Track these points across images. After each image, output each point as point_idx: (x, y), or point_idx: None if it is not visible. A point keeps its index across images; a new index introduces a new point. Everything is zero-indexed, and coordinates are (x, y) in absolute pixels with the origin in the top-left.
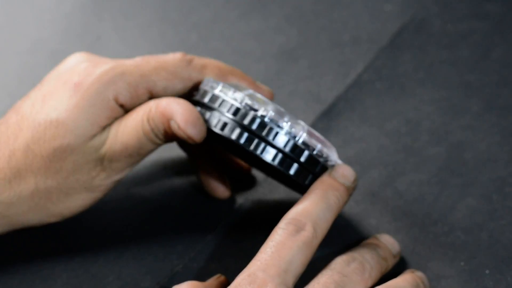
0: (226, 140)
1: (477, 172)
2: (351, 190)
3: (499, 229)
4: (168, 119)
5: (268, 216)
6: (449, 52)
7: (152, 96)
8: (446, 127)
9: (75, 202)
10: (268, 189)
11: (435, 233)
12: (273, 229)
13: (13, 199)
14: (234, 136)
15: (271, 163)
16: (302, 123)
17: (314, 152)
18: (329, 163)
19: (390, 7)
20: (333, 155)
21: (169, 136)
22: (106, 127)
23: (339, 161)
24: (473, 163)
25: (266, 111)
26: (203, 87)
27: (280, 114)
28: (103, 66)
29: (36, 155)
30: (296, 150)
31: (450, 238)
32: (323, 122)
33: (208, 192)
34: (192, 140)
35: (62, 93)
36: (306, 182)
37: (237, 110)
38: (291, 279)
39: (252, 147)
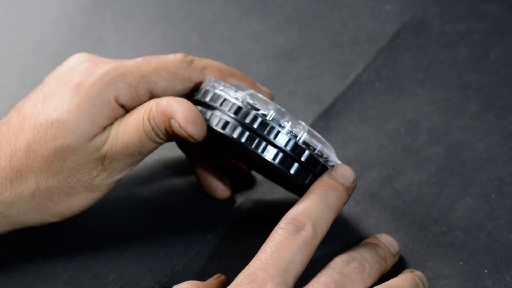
0: (227, 139)
1: (476, 172)
2: (350, 190)
3: (498, 229)
4: (168, 118)
5: (268, 216)
6: (448, 52)
7: (152, 97)
8: (445, 127)
9: (76, 202)
10: (268, 189)
11: (434, 233)
12: (273, 229)
13: (14, 199)
14: (235, 135)
15: (272, 162)
16: (302, 123)
17: (315, 152)
18: (329, 163)
19: (389, 8)
20: (333, 156)
21: (170, 135)
22: (107, 127)
23: (338, 162)
24: (472, 163)
25: (268, 110)
26: (204, 86)
27: (281, 114)
28: (104, 66)
29: (37, 155)
30: (297, 149)
31: (449, 237)
32: (322, 122)
33: (208, 192)
34: (193, 139)
35: (63, 93)
36: (306, 182)
37: (238, 109)
38: (291, 278)
39: (253, 145)
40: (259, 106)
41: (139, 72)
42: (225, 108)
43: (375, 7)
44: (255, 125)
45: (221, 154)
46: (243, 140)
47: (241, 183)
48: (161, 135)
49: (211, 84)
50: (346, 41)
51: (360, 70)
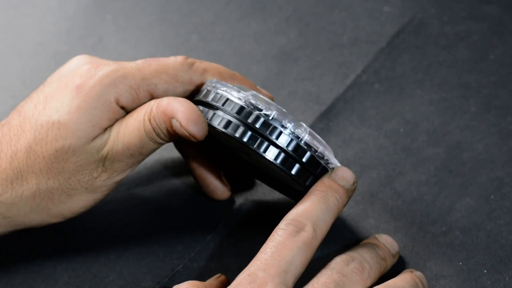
0: (228, 140)
1: (475, 173)
2: (350, 192)
3: (497, 229)
4: (169, 118)
5: (268, 216)
6: (448, 53)
7: (153, 99)
8: (445, 128)
9: (77, 203)
10: (268, 190)
11: (434, 233)
12: (274, 229)
13: (15, 199)
14: (238, 134)
15: (274, 162)
16: (304, 124)
17: (316, 154)
18: (330, 165)
19: (388, 9)
20: (333, 158)
21: (171, 135)
22: (107, 128)
23: (338, 164)
24: (471, 164)
25: (270, 110)
26: (206, 87)
27: (283, 115)
28: (105, 68)
29: (38, 156)
30: (299, 150)
31: (448, 238)
32: (322, 123)
33: (208, 194)
34: (194, 138)
35: (64, 95)
36: (307, 183)
37: (241, 109)
38: (291, 279)
39: (255, 145)
40: (261, 107)
41: (140, 75)
42: (228, 108)
43: (374, 8)
44: (258, 125)
45: (220, 154)
46: (245, 139)
47: (241, 183)
48: (162, 135)
49: (213, 85)
50: (346, 42)
51: (360, 71)
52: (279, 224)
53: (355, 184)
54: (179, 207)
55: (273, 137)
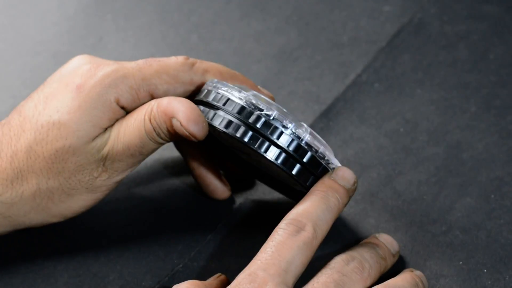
0: (228, 140)
1: (475, 172)
2: (351, 192)
3: (497, 229)
4: (170, 117)
5: (268, 216)
6: (448, 52)
7: (153, 99)
8: (445, 127)
9: (77, 203)
10: (268, 189)
11: (434, 233)
12: (274, 229)
13: (15, 199)
14: (238, 134)
15: (275, 162)
16: (305, 125)
17: (317, 154)
18: (330, 165)
19: (389, 8)
20: (333, 159)
21: (171, 134)
22: (107, 128)
23: (339, 164)
24: (471, 163)
25: (271, 110)
26: (206, 87)
27: (284, 115)
28: (105, 68)
29: (38, 156)
30: (300, 150)
31: (448, 237)
32: (322, 122)
33: (208, 193)
34: (194, 138)
35: (64, 95)
36: (308, 183)
37: (242, 109)
38: (291, 278)
39: (256, 145)
40: (262, 107)
41: (140, 75)
42: (229, 107)
43: (374, 8)
44: (259, 125)
45: (220, 155)
46: (246, 139)
47: (241, 183)
48: (162, 135)
49: (214, 84)
50: (346, 42)
51: (360, 71)
52: (279, 224)
53: (355, 184)
54: (179, 207)
55: (274, 137)
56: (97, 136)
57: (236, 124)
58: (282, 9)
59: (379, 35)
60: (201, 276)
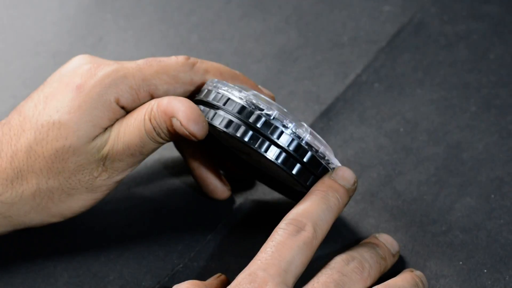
0: (228, 140)
1: (475, 172)
2: (351, 192)
3: (497, 229)
4: (170, 117)
5: (268, 216)
6: (448, 52)
7: (153, 98)
8: (445, 127)
9: (77, 203)
10: (268, 189)
11: (434, 233)
12: (274, 229)
13: (15, 199)
14: (239, 134)
15: (275, 161)
16: (305, 125)
17: (317, 154)
18: (330, 165)
19: (389, 8)
20: (333, 158)
21: (172, 134)
22: (107, 128)
23: (339, 164)
24: (471, 163)
25: (271, 110)
26: (206, 87)
27: (284, 115)
28: (106, 68)
29: (38, 156)
30: (300, 150)
31: (448, 237)
32: (322, 122)
33: (208, 193)
34: (194, 137)
35: (65, 94)
36: (308, 183)
37: (242, 108)
38: (291, 278)
39: (256, 145)
40: (262, 106)
41: (141, 75)
42: (229, 107)
43: (374, 8)
44: (259, 125)
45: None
46: (246, 139)
47: (241, 183)
48: (163, 135)
49: (214, 84)
50: (346, 42)
51: (360, 70)
52: (279, 224)
53: (355, 184)
54: (179, 207)
55: (274, 136)
56: (97, 136)
57: (236, 123)
58: (282, 9)
59: (379, 35)
60: (201, 276)
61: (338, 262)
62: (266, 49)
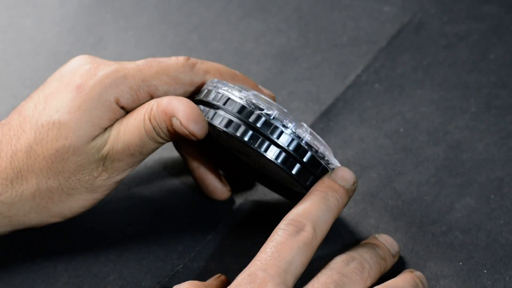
0: (228, 140)
1: (475, 173)
2: (350, 193)
3: (497, 229)
4: (169, 117)
5: (268, 216)
6: (448, 53)
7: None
8: (445, 128)
9: (77, 203)
10: (268, 190)
11: (434, 233)
12: (274, 229)
13: (14, 199)
14: (239, 133)
15: (275, 161)
16: (305, 124)
17: (317, 154)
18: (330, 166)
19: (389, 9)
20: (333, 159)
21: (171, 134)
22: (107, 128)
23: (339, 165)
24: (471, 164)
25: (271, 110)
26: (207, 87)
27: (284, 115)
28: (105, 68)
29: (38, 156)
30: (300, 150)
31: (448, 237)
32: (322, 123)
33: (207, 194)
34: (194, 137)
35: (65, 95)
36: (307, 183)
37: (242, 108)
38: (291, 279)
39: (256, 144)
40: (262, 106)
41: (140, 76)
42: (229, 107)
43: (374, 8)
44: (259, 124)
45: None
46: (246, 138)
47: (240, 183)
48: (162, 135)
49: (214, 84)
50: (346, 42)
51: (360, 71)
52: (279, 224)
53: (355, 184)
54: (179, 207)
55: (274, 136)
56: (97, 136)
57: (236, 123)
58: (282, 9)
59: (379, 35)
60: (201, 276)
61: (338, 262)
62: (266, 49)
